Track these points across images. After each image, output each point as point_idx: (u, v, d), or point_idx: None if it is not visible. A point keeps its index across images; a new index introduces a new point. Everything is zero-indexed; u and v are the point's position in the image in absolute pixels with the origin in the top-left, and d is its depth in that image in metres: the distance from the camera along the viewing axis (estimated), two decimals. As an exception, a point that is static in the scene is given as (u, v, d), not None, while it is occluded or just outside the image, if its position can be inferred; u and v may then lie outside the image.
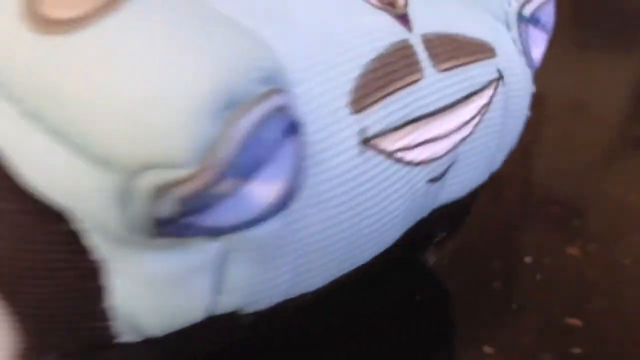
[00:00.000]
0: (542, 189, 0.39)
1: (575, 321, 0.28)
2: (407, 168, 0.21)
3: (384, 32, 0.21)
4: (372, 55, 0.20)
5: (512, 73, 0.26)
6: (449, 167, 0.23)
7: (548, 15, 0.27)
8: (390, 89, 0.20)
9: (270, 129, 0.16)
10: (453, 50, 0.23)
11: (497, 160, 0.27)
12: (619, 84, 0.54)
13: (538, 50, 0.28)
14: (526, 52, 0.27)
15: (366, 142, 0.20)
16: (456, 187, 0.25)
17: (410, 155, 0.21)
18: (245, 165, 0.15)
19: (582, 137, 0.46)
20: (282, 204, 0.17)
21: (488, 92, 0.24)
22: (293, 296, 0.20)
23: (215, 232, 0.16)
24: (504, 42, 0.26)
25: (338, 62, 0.19)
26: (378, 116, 0.20)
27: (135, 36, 0.15)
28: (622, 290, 0.30)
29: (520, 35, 0.27)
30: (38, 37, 0.15)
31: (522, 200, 0.29)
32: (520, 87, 0.26)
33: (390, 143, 0.21)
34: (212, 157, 0.14)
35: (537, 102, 0.29)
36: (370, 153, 0.20)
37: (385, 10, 0.22)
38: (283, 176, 0.16)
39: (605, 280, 0.31)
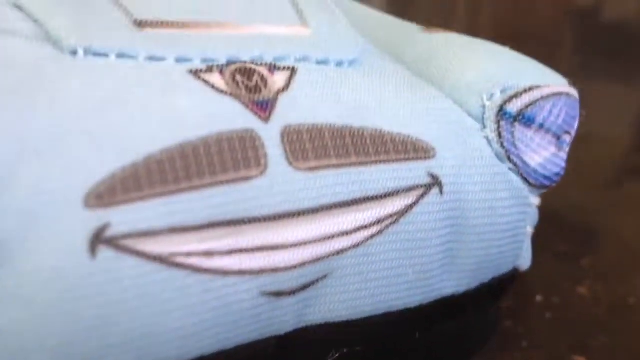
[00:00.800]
0: (551, 226, 0.40)
1: (580, 358, 0.30)
2: (207, 276, 0.18)
3: (207, 118, 0.19)
4: (159, 146, 0.18)
5: (473, 181, 0.22)
6: (316, 281, 0.20)
7: (551, 114, 0.23)
8: (185, 184, 0.18)
9: None
10: (336, 147, 0.20)
11: (445, 282, 0.23)
12: (621, 114, 0.56)
13: (539, 156, 0.23)
14: (512, 156, 0.23)
15: (107, 241, 0.17)
16: (344, 304, 0.21)
17: (215, 263, 0.18)
18: None
19: (589, 170, 0.48)
20: None
21: (401, 201, 0.21)
22: None
23: None
24: (465, 142, 0.23)
25: (80, 154, 0.17)
26: (140, 213, 0.17)
27: None
28: (626, 329, 0.32)
29: (500, 135, 0.23)
30: None
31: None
32: (492, 197, 0.23)
33: (165, 245, 0.17)
34: None
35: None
36: (110, 253, 0.17)
37: (234, 96, 0.19)
38: None
39: (610, 319, 0.33)
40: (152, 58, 0.19)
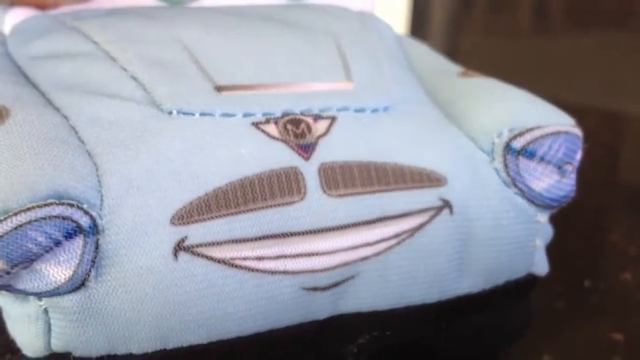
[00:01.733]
0: (603, 218, 0.45)
1: (619, 336, 0.35)
2: (259, 275, 0.24)
3: (261, 160, 0.25)
4: (226, 180, 0.24)
5: (481, 203, 0.27)
6: (345, 280, 0.26)
7: (551, 149, 0.28)
8: (243, 207, 0.24)
9: (40, 230, 0.22)
10: (362, 178, 0.26)
11: (459, 284, 0.28)
12: None
13: (543, 182, 0.28)
14: (517, 183, 0.28)
15: (185, 249, 0.23)
16: (370, 299, 0.27)
17: (265, 265, 0.24)
18: (10, 252, 0.21)
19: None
20: (75, 283, 0.22)
21: (415, 219, 0.26)
22: (119, 353, 0.24)
23: (28, 294, 0.23)
24: (475, 172, 0.28)
25: (169, 186, 0.24)
26: (210, 229, 0.24)
27: None
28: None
29: (507, 166, 0.28)
30: None
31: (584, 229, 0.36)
32: (498, 216, 0.28)
33: (227, 252, 0.24)
34: None
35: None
36: (188, 257, 0.23)
37: (284, 141, 0.26)
38: (71, 263, 0.22)
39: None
40: (225, 114, 0.26)
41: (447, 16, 0.98)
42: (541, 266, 0.30)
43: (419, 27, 0.96)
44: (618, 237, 0.45)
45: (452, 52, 0.94)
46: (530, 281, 0.30)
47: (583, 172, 0.30)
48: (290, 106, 0.27)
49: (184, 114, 0.26)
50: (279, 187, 0.25)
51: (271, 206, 0.25)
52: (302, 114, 0.27)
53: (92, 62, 0.28)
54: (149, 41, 0.28)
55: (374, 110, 0.28)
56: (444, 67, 0.34)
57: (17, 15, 0.32)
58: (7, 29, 0.32)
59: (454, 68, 0.33)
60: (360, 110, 0.28)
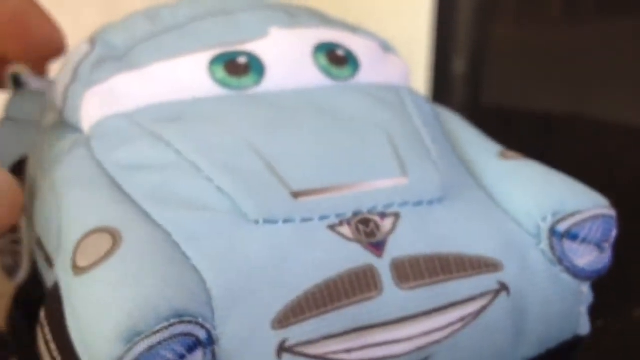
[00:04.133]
0: None
1: None
2: None
3: (341, 261, 0.28)
4: (312, 282, 0.27)
5: (533, 283, 0.31)
6: None
7: (591, 231, 0.32)
8: (330, 306, 0.27)
9: (169, 348, 0.25)
10: (428, 269, 0.29)
11: (516, 352, 0.32)
12: None
13: (585, 259, 0.32)
14: (563, 262, 0.32)
15: (287, 349, 0.27)
16: None
17: (352, 356, 0.28)
18: None
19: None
20: None
21: (477, 303, 0.30)
22: None
23: None
24: (525, 255, 0.31)
25: (266, 293, 0.27)
26: (305, 329, 0.27)
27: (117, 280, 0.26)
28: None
29: (552, 247, 0.32)
30: (74, 277, 0.27)
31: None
32: (548, 292, 0.32)
33: (321, 348, 0.27)
34: None
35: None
36: (289, 357, 0.27)
37: (358, 241, 0.29)
38: None
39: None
40: (304, 219, 0.30)
41: (476, 2, 0.96)
42: (585, 327, 0.34)
43: (445, 12, 0.94)
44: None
45: (481, 38, 0.94)
46: (575, 341, 0.34)
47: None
48: (359, 206, 0.31)
49: (269, 222, 0.29)
50: (358, 284, 0.28)
51: (353, 303, 0.28)
52: (369, 212, 0.30)
53: (180, 174, 0.31)
54: (225, 149, 0.32)
55: (430, 202, 0.32)
56: (483, 146, 0.37)
57: (90, 112, 0.35)
58: (84, 126, 0.35)
59: (493, 148, 0.37)
60: (419, 204, 0.31)
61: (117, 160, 0.32)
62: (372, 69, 0.39)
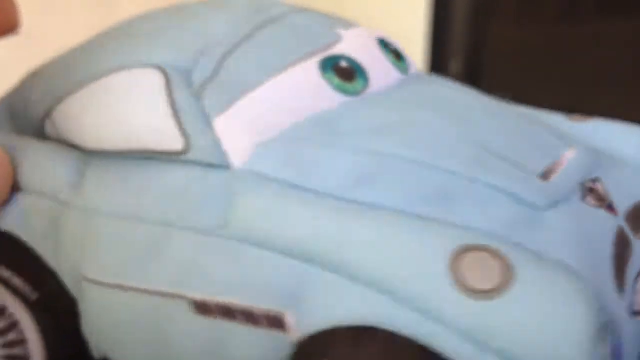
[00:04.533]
0: None
1: None
2: None
3: (604, 229, 0.32)
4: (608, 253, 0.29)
5: None
6: None
7: None
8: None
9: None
10: None
11: None
12: None
13: None
14: None
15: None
16: None
17: None
18: None
19: None
20: None
21: None
22: None
23: None
24: None
25: (606, 267, 0.29)
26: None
27: (533, 303, 0.25)
28: None
29: None
30: (467, 301, 0.28)
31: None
32: None
33: None
34: None
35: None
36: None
37: (600, 207, 0.33)
38: None
39: None
40: (564, 199, 0.32)
41: (472, 3, 0.99)
42: None
43: (441, 12, 0.97)
44: None
45: (478, 39, 0.96)
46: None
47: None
48: (579, 178, 0.33)
49: (551, 207, 0.31)
50: (624, 248, 0.31)
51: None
52: (588, 182, 0.34)
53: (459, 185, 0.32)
54: (456, 150, 0.34)
55: (600, 164, 0.33)
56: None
57: (238, 145, 0.33)
58: (235, 161, 0.32)
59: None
60: (599, 165, 0.33)
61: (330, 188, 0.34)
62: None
